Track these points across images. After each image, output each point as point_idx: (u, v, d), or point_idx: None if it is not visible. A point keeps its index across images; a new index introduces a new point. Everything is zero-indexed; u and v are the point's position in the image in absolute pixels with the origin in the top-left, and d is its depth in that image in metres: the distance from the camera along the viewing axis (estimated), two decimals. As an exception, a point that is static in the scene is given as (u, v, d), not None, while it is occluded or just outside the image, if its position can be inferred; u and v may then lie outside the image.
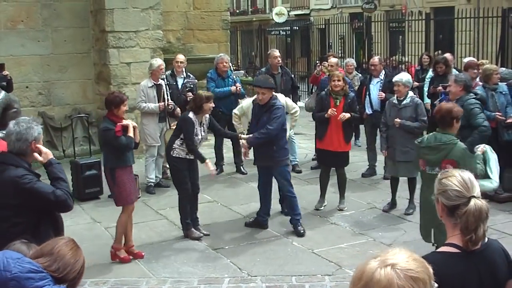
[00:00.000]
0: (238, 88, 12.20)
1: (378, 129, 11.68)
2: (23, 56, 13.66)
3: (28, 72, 13.74)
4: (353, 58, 22.90)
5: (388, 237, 8.77)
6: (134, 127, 8.13)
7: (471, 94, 8.63)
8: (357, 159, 13.01)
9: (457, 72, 12.58)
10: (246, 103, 10.28)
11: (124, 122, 8.13)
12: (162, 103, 11.09)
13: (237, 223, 9.64)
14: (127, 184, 8.18)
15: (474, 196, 3.26)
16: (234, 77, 12.44)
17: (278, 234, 8.98)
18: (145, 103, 11.00)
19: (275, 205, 10.04)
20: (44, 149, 5.24)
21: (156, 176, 11.50)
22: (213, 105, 9.02)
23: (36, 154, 5.18)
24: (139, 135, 8.53)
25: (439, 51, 14.92)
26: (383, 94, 11.39)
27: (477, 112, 8.44)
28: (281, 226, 9.28)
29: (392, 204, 9.99)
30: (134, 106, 11.94)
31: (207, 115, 9.07)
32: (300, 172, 12.30)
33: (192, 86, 11.97)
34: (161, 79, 11.35)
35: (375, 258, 2.39)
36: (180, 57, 12.10)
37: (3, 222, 5.02)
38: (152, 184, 11.31)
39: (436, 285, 2.48)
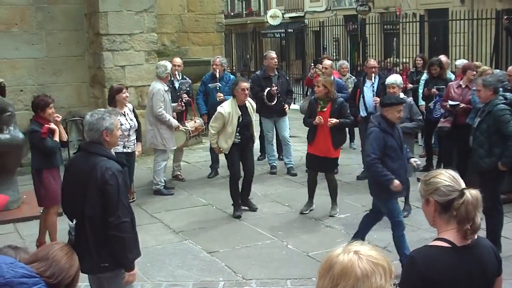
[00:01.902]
0: (220, 98, 11.76)
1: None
2: (17, 59, 13.64)
3: (23, 76, 13.72)
4: (347, 60, 22.97)
5: (383, 239, 8.75)
6: (54, 130, 8.35)
7: (500, 97, 8.23)
8: (352, 161, 13.03)
9: (452, 75, 12.62)
10: (226, 111, 9.64)
11: (52, 125, 8.31)
12: (179, 125, 11.29)
13: (232, 226, 9.62)
14: (53, 185, 8.36)
15: (465, 188, 3.37)
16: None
17: (273, 237, 8.97)
18: (164, 110, 10.93)
19: (272, 208, 10.10)
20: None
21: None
22: (127, 95, 9.51)
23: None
24: (65, 135, 8.78)
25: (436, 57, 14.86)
26: (378, 99, 11.38)
27: (508, 119, 7.90)
28: (276, 230, 9.27)
29: None
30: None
31: (129, 105, 9.72)
32: (295, 175, 12.29)
33: (188, 88, 12.01)
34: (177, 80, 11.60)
35: (346, 249, 2.58)
36: (178, 61, 12.23)
37: (99, 211, 5.21)
38: (164, 185, 11.32)
39: (396, 281, 2.68)
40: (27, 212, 9.33)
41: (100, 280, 5.51)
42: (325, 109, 9.62)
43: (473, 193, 3.36)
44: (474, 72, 10.64)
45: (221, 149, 9.83)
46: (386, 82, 10.05)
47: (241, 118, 9.62)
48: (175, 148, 11.53)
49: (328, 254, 2.59)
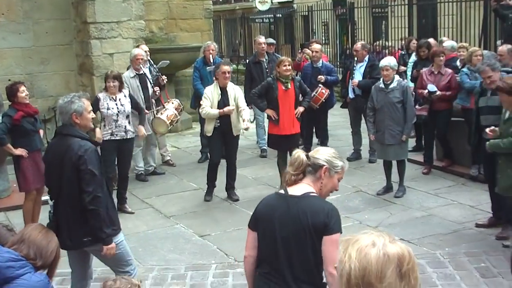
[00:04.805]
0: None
1: (362, 114, 11.77)
2: (4, 49, 13.55)
3: (10, 65, 13.64)
4: (336, 44, 22.92)
5: (374, 219, 8.81)
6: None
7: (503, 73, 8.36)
8: (342, 143, 13.05)
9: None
10: (208, 91, 9.82)
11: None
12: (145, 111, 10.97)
13: (223, 210, 9.65)
14: (30, 171, 8.56)
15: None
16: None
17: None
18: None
19: (263, 191, 10.13)
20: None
21: (150, 165, 11.67)
22: (111, 84, 9.53)
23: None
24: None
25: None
26: (357, 81, 11.61)
27: None
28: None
29: (388, 188, 10.00)
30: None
31: (125, 91, 9.82)
32: (265, 157, 12.67)
33: (157, 72, 11.75)
34: (145, 67, 11.31)
35: (370, 245, 2.34)
36: (144, 47, 12.05)
37: (76, 190, 5.45)
38: (142, 172, 11.39)
39: None
40: (18, 201, 9.32)
41: (87, 253, 5.88)
42: (289, 87, 9.93)
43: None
44: (441, 58, 10.63)
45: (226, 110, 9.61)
46: (380, 65, 10.05)
47: (220, 97, 9.66)
48: (150, 133, 11.29)
49: (377, 256, 2.29)
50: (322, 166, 4.07)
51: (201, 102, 10.00)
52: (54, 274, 4.05)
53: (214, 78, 10.09)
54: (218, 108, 9.63)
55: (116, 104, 9.51)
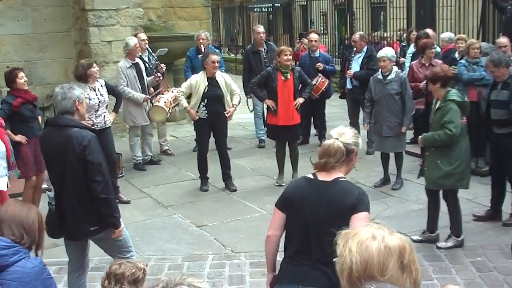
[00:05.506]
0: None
1: (360, 105, 11.78)
2: (3, 36, 13.51)
3: (9, 52, 13.61)
4: (335, 34, 22.87)
5: (371, 211, 8.74)
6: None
7: None
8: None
9: (438, 48, 12.58)
10: (194, 79, 9.85)
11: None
12: (146, 96, 11.06)
13: (221, 200, 9.67)
14: (30, 157, 8.57)
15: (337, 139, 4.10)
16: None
17: (261, 211, 9.01)
18: (127, 85, 10.86)
19: (260, 181, 10.12)
20: None
21: (147, 154, 11.66)
22: (96, 69, 9.40)
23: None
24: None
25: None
26: (352, 72, 11.61)
27: None
28: (265, 203, 9.29)
29: (385, 180, 10.04)
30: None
31: (101, 81, 9.70)
32: (263, 147, 12.63)
33: (156, 60, 11.77)
34: (138, 57, 11.25)
35: (370, 238, 2.31)
36: (142, 36, 12.01)
37: (82, 180, 5.43)
38: (140, 161, 11.41)
39: None
40: (16, 188, 9.27)
41: (85, 242, 5.85)
42: (289, 77, 9.92)
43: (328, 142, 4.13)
44: (433, 50, 10.61)
45: (195, 112, 9.75)
46: (377, 56, 10.05)
47: (207, 88, 9.65)
48: (147, 124, 11.35)
49: (383, 248, 2.27)
50: (353, 150, 4.12)
51: (182, 84, 10.11)
52: (42, 246, 3.96)
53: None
54: (203, 95, 9.64)
55: (96, 94, 9.42)
